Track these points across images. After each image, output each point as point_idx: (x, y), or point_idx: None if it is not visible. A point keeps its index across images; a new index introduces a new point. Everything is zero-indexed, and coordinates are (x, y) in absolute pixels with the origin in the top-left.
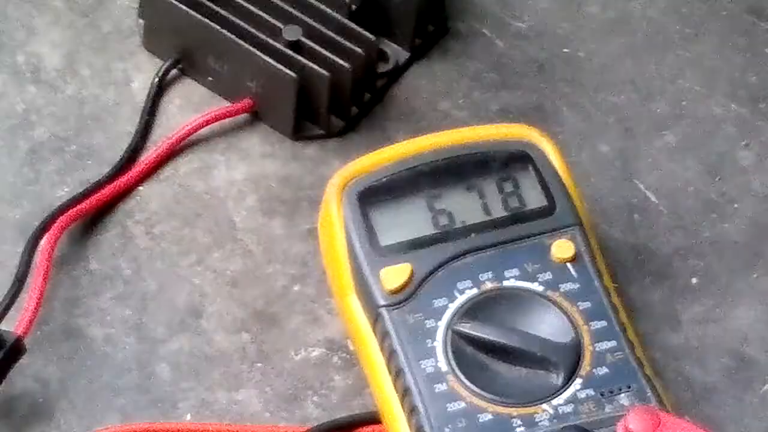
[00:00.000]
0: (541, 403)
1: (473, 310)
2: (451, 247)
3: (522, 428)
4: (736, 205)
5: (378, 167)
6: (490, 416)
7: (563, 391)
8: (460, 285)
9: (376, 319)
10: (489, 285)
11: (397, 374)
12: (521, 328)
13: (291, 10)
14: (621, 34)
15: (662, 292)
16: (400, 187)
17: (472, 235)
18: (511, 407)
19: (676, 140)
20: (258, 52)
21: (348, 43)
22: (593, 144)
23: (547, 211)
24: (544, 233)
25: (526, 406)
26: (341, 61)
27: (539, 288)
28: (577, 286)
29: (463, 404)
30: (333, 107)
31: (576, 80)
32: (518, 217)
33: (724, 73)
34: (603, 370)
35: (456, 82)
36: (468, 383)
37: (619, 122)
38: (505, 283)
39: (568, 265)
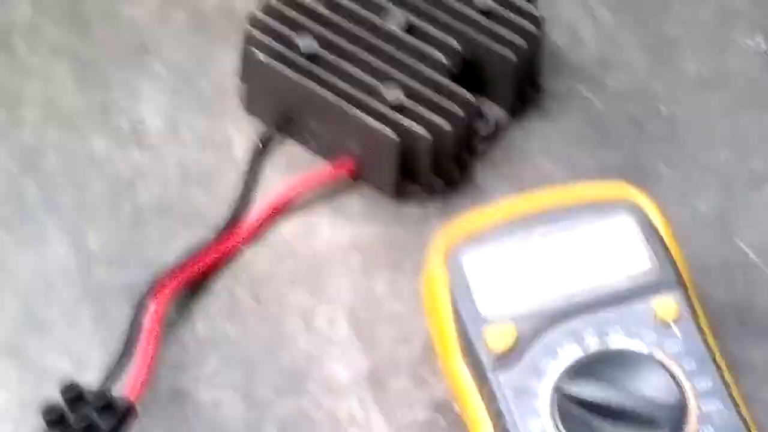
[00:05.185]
0: None
1: (579, 371)
2: (555, 307)
3: None
4: None
5: (480, 228)
6: None
7: None
8: (564, 346)
9: (481, 380)
10: (593, 345)
11: None
12: (627, 389)
13: (390, 69)
14: (717, 92)
15: (765, 350)
16: (502, 246)
17: (576, 295)
18: None
19: None
20: (359, 114)
21: (448, 104)
22: (692, 202)
23: (649, 270)
24: (647, 293)
25: None
26: (442, 122)
27: (643, 348)
28: (681, 345)
29: None
30: (434, 168)
31: (673, 138)
32: (620, 275)
33: None
34: (709, 430)
35: (554, 142)
36: None
37: (718, 180)
38: (610, 343)
39: (672, 324)
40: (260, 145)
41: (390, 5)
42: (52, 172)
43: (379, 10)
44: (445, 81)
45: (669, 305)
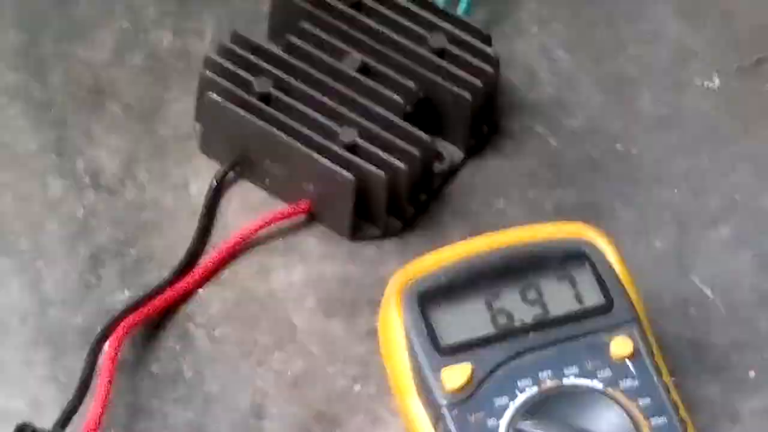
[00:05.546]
0: None
1: (534, 408)
2: (511, 345)
3: None
4: None
5: (436, 267)
6: None
7: None
8: (520, 383)
9: (437, 418)
10: (549, 383)
11: None
12: (583, 426)
13: (346, 111)
14: (673, 130)
15: (720, 386)
16: (458, 287)
17: (531, 333)
18: None
19: (731, 234)
20: (315, 155)
21: (403, 144)
22: (648, 239)
23: (604, 309)
24: (603, 330)
25: None
26: (397, 162)
27: (599, 385)
28: (637, 382)
29: None
30: (390, 208)
31: (629, 176)
32: (576, 315)
33: None
34: None
35: (511, 181)
36: None
37: (674, 217)
38: (565, 381)
39: (627, 361)
40: (216, 186)
41: (346, 47)
42: (7, 213)
43: (334, 51)
44: (401, 121)
45: (624, 342)
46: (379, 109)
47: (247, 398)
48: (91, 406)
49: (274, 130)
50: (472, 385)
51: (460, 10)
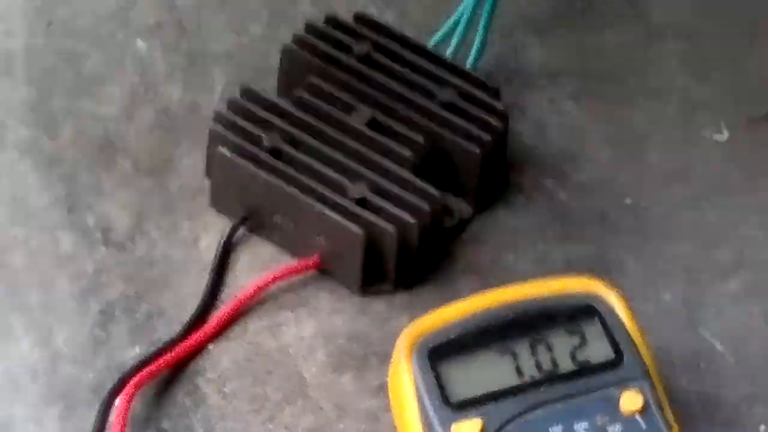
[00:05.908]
0: None
1: None
2: (521, 400)
3: None
4: None
5: (446, 323)
6: None
7: None
8: None
9: None
10: None
11: None
12: None
13: (355, 166)
14: (682, 184)
15: None
16: (468, 342)
17: (542, 388)
18: None
19: (740, 287)
20: (324, 209)
21: (413, 199)
22: (657, 293)
23: (614, 363)
24: (613, 385)
25: None
26: (407, 217)
27: None
28: None
29: None
30: (400, 262)
31: (638, 230)
32: (586, 369)
33: None
34: None
35: (520, 235)
36: None
37: (683, 271)
38: None
39: (637, 416)
40: (226, 241)
41: (355, 102)
42: (18, 269)
43: (344, 106)
44: (410, 176)
45: (635, 397)
46: (389, 164)
47: None
48: None
49: (284, 184)
50: None
51: (468, 63)
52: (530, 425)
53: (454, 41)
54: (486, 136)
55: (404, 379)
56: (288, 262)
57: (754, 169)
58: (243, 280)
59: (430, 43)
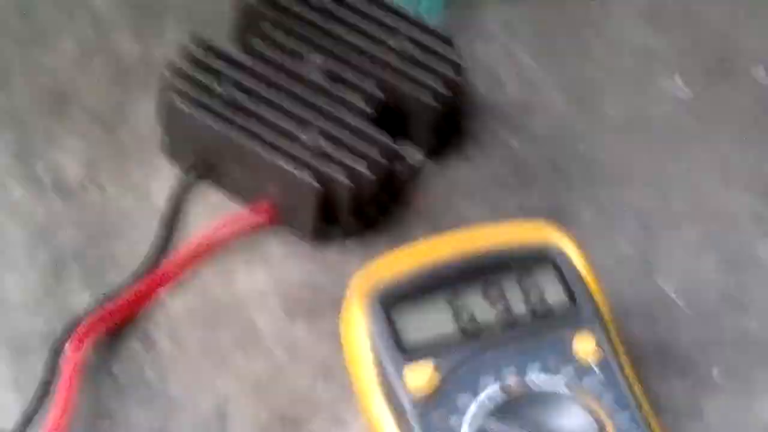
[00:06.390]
0: None
1: (497, 407)
2: (474, 344)
3: None
4: (755, 299)
5: (398, 268)
6: None
7: None
8: (483, 381)
9: (401, 418)
10: (512, 381)
11: None
12: (546, 424)
13: (310, 116)
14: (637, 134)
15: (684, 384)
16: (421, 286)
17: (494, 332)
18: None
19: (695, 236)
20: (278, 160)
21: (368, 149)
22: (613, 243)
23: (568, 307)
24: (566, 329)
25: None
26: (362, 168)
27: (562, 383)
28: (600, 380)
29: None
30: (354, 212)
31: (593, 179)
32: (540, 313)
33: (741, 168)
34: None
35: (475, 185)
36: None
37: (637, 219)
38: (528, 379)
39: (590, 360)
40: (178, 190)
41: (309, 51)
42: None
43: (298, 56)
44: (365, 127)
45: (588, 343)
46: (344, 114)
47: (210, 401)
48: (52, 410)
49: (237, 134)
50: (434, 383)
51: (422, 12)
52: (482, 368)
53: None
54: (440, 86)
55: (356, 324)
56: (240, 210)
57: (710, 120)
58: (195, 228)
59: None
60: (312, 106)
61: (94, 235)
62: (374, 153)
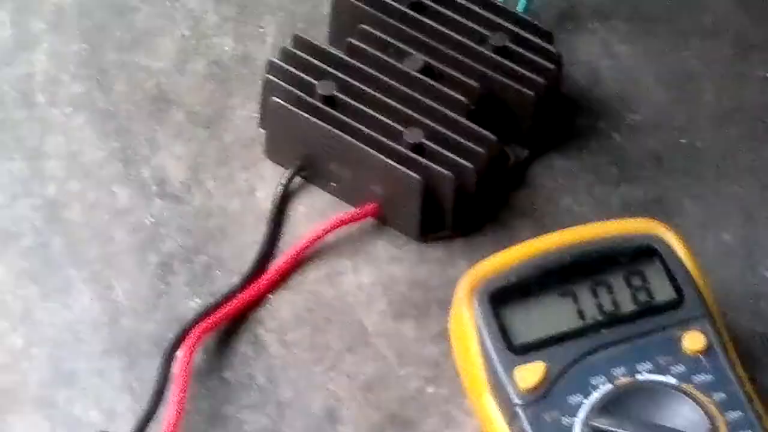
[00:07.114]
0: None
1: (608, 405)
2: (583, 343)
3: None
4: None
5: (506, 266)
6: None
7: None
8: (593, 380)
9: (512, 417)
10: (622, 379)
11: None
12: (657, 422)
13: (411, 112)
14: (737, 124)
15: None
16: (529, 285)
17: (603, 330)
18: None
19: None
20: (381, 156)
21: (469, 144)
22: (716, 233)
23: (676, 304)
24: (675, 325)
25: None
26: (464, 162)
27: (673, 381)
28: (711, 377)
29: None
30: (458, 208)
31: (694, 171)
32: (648, 310)
33: None
34: None
35: (576, 178)
36: None
37: (741, 210)
38: (639, 377)
39: (701, 356)
40: (283, 191)
41: (407, 48)
42: (76, 224)
43: (396, 53)
44: (466, 121)
45: (697, 337)
46: (444, 109)
47: (320, 402)
48: (165, 414)
49: (339, 132)
50: (545, 383)
51: (519, 7)
52: (593, 367)
53: None
54: (540, 80)
55: (465, 323)
56: (345, 210)
57: None
58: (300, 229)
59: None
60: (413, 103)
61: (200, 238)
62: (476, 147)
